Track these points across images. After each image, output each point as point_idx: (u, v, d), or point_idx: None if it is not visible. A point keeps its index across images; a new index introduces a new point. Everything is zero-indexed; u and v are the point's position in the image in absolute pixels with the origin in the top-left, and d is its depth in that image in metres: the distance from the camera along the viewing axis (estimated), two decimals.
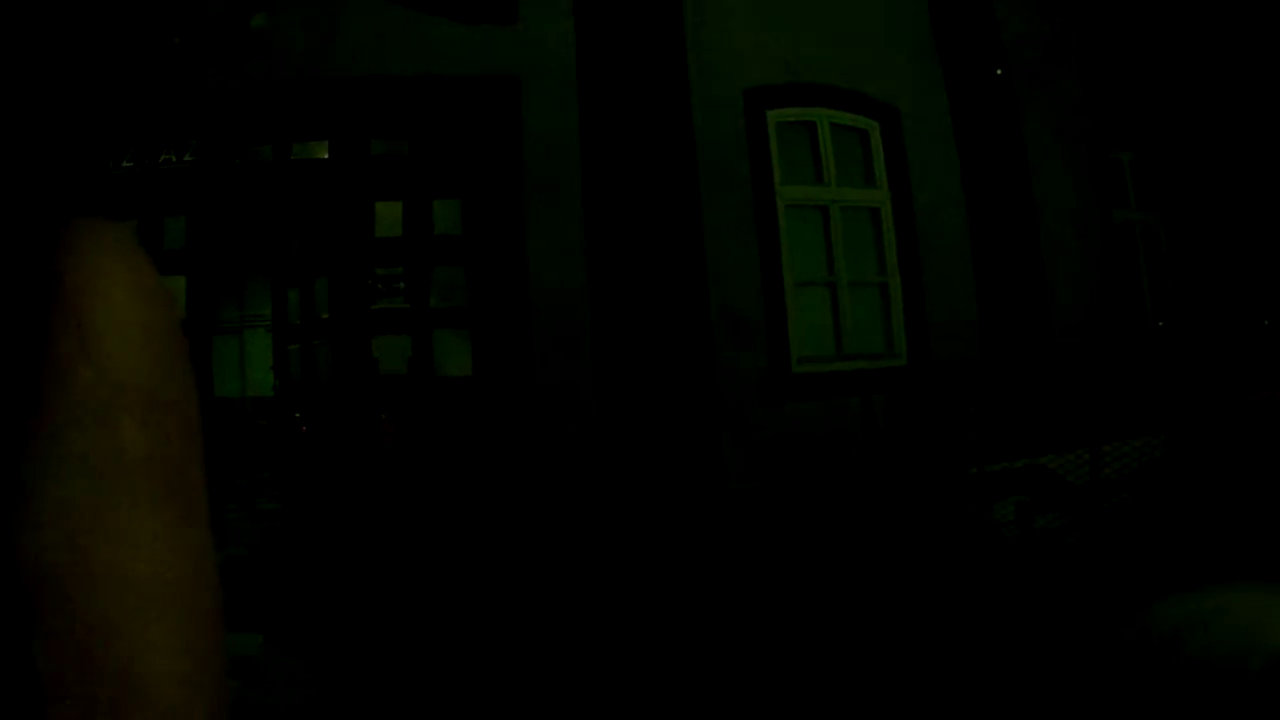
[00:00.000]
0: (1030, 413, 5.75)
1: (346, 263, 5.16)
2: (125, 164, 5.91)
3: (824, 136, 5.58)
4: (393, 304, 5.22)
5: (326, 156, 5.42)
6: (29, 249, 0.21)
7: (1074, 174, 6.19)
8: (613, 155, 5.19)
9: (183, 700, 0.22)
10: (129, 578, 0.22)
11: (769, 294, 5.25)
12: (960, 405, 5.65)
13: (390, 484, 5.00)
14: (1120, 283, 6.38)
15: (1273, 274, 7.13)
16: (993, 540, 5.49)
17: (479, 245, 5.13)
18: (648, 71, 5.35)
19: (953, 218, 5.77)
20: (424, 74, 5.30)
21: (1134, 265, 6.60)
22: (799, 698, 3.50)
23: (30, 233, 0.21)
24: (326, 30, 5.33)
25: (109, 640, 0.21)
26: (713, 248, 5.15)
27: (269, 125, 5.52)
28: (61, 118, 5.49)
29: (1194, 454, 5.98)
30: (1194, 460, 5.94)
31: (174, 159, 5.89)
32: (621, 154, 5.19)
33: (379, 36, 5.29)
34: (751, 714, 3.40)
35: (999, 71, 6.08)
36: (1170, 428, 5.89)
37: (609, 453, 4.87)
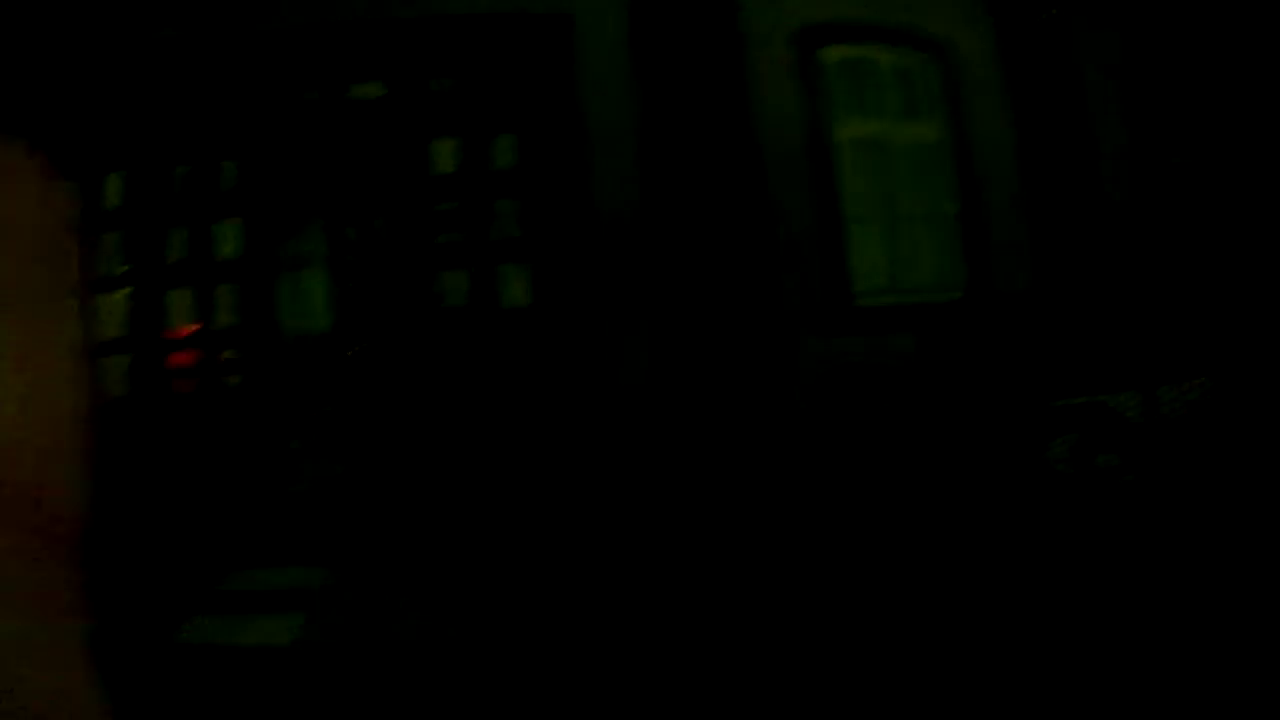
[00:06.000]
0: (1089, 349, 5.74)
1: (405, 199, 5.20)
2: (176, 110, 5.96)
3: (879, 72, 5.58)
4: (452, 238, 5.25)
5: (382, 96, 5.45)
6: None
7: (1128, 111, 6.16)
8: (669, 90, 5.20)
9: None
10: None
11: (828, 226, 5.26)
12: (1016, 340, 5.65)
13: (452, 413, 5.04)
14: (1171, 222, 6.35)
15: None
16: (1051, 477, 5.50)
17: (536, 179, 5.15)
18: (699, 6, 5.36)
19: (1006, 152, 5.76)
20: (479, 13, 5.33)
21: (1184, 206, 6.56)
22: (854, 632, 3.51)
23: None
24: None
25: None
26: (773, 180, 5.16)
27: (325, 68, 5.56)
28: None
29: (1246, 395, 5.96)
30: (1246, 401, 5.92)
31: (228, 103, 5.95)
32: (677, 89, 5.20)
33: None
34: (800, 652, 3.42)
35: (1053, 10, 6.06)
36: (1221, 369, 5.87)
37: (669, 379, 4.90)
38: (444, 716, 2.86)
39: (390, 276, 5.16)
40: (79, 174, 5.72)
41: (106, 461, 5.37)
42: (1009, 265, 5.66)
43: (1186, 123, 6.77)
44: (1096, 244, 5.82)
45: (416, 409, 5.03)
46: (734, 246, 4.95)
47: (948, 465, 5.29)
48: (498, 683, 3.05)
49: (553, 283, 5.02)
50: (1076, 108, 5.86)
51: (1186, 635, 2.92)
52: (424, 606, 3.92)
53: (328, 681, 3.16)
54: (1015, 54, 5.84)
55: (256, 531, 5.22)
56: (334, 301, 5.34)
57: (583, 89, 5.21)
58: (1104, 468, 5.50)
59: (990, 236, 5.66)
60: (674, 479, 4.73)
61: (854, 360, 5.21)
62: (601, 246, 5.04)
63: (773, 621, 3.43)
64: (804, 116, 5.33)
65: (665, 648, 3.21)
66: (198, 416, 5.55)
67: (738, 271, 4.92)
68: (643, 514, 4.68)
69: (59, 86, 5.52)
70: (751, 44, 5.37)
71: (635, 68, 5.30)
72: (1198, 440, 5.59)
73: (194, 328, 5.67)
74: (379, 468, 5.08)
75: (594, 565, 4.23)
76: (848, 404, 5.14)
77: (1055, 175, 5.77)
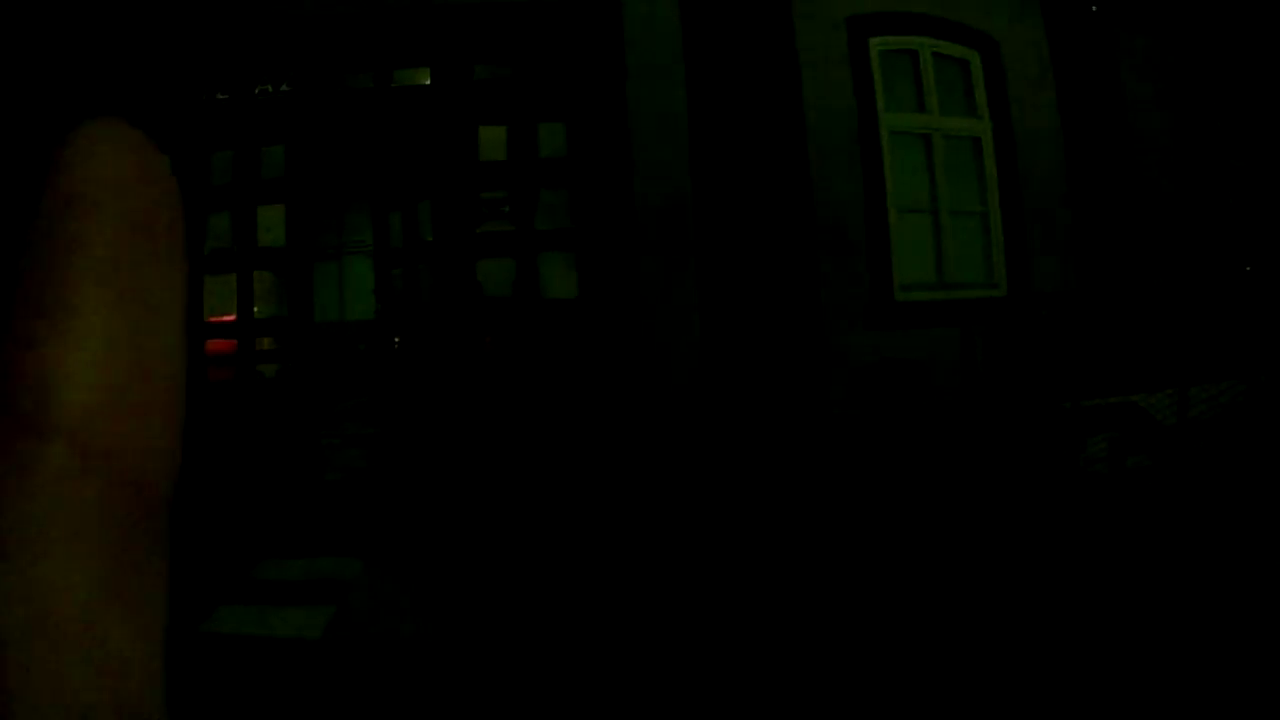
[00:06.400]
0: (1123, 349, 5.71)
1: (450, 186, 5.17)
2: (219, 96, 5.94)
3: (925, 65, 5.56)
4: (498, 227, 5.22)
5: (429, 83, 5.43)
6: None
7: (1167, 114, 6.14)
8: (717, 78, 5.18)
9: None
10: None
11: (872, 219, 5.23)
12: (1056, 338, 5.62)
13: (493, 406, 5.01)
14: (1213, 224, 6.32)
15: None
16: (1085, 477, 5.47)
17: (584, 167, 5.13)
18: None
19: (1051, 151, 5.74)
20: None
21: (1227, 207, 6.54)
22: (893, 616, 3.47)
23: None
24: None
25: None
26: (817, 171, 5.13)
27: (370, 54, 5.54)
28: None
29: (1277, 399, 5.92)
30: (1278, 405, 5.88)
31: (270, 89, 5.92)
32: (726, 77, 5.18)
33: None
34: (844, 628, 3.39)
35: (1093, 8, 6.05)
36: (1252, 372, 5.85)
37: (713, 371, 4.87)
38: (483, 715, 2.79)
39: (434, 265, 5.14)
40: None
41: None
42: (1050, 262, 5.64)
43: (1226, 125, 6.74)
44: (1134, 244, 5.79)
45: (457, 401, 4.99)
46: (780, 243, 4.92)
47: (986, 461, 5.25)
48: (541, 679, 2.98)
49: (602, 274, 5.00)
50: (1118, 108, 5.84)
51: (1215, 633, 2.90)
52: (463, 601, 3.84)
53: (359, 676, 3.09)
54: (1060, 51, 5.82)
55: (289, 519, 5.17)
56: (376, 290, 5.32)
57: (632, 76, 5.19)
58: (1135, 469, 5.48)
59: (1033, 233, 5.64)
60: (726, 488, 4.69)
61: (893, 354, 5.19)
62: (653, 236, 5.01)
63: (817, 601, 3.40)
64: (851, 107, 5.31)
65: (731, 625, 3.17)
66: (233, 403, 5.52)
67: (785, 270, 4.89)
68: (698, 515, 4.64)
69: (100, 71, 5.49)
70: (801, 30, 5.35)
71: (686, 53, 5.27)
72: (1229, 443, 5.57)
73: (230, 317, 5.65)
74: (416, 458, 5.05)
75: (631, 564, 4.18)
76: (888, 396, 5.11)
77: (1096, 175, 5.75)
